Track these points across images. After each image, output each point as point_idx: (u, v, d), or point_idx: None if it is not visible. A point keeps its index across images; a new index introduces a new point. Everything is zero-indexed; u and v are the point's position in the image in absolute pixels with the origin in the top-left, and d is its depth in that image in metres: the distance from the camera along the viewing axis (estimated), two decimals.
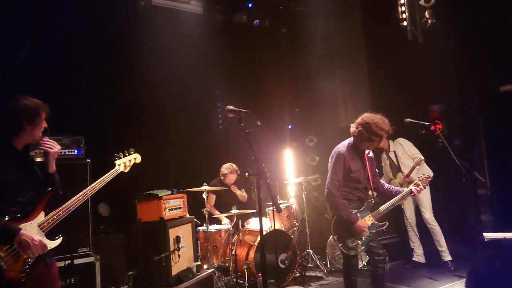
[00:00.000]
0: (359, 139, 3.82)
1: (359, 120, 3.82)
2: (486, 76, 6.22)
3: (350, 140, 3.94)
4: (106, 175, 3.20)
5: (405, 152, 5.80)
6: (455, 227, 5.71)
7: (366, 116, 3.80)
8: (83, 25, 5.59)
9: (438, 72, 6.38)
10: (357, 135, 3.81)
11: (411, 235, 5.84)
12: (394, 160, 5.89)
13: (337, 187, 3.80)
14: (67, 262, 4.03)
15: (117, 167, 3.35)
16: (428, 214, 5.62)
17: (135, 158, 3.54)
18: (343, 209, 3.76)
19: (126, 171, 3.44)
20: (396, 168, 5.89)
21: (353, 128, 3.84)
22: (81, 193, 2.97)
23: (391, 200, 3.90)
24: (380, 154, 6.04)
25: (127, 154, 3.48)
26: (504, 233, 3.82)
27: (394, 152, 5.89)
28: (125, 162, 3.43)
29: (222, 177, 6.20)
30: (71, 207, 2.89)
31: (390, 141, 5.95)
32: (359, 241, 3.76)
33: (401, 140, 5.89)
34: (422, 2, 6.51)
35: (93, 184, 3.08)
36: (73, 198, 2.92)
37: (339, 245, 3.77)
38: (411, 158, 5.68)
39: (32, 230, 2.66)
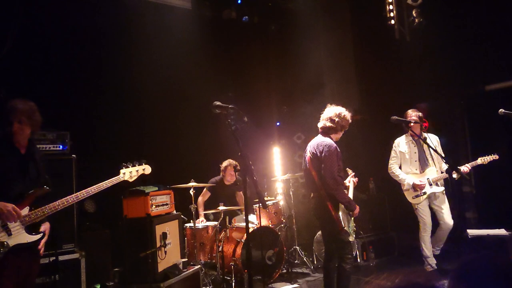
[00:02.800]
0: (336, 132, 4.04)
1: (330, 114, 4.01)
2: (472, 75, 6.29)
3: (327, 136, 4.06)
4: (106, 181, 3.15)
5: (436, 151, 5.04)
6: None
7: (335, 109, 4.04)
8: (69, 19, 5.51)
9: (425, 70, 6.44)
10: (335, 128, 4.00)
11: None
12: (427, 153, 5.27)
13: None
14: (52, 258, 3.98)
15: (121, 175, 3.31)
16: (449, 219, 5.23)
17: (143, 169, 3.49)
18: (348, 198, 3.95)
19: (131, 180, 3.40)
20: (424, 162, 5.28)
21: (328, 123, 4.02)
22: (73, 195, 2.98)
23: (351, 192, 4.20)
24: (387, 141, 5.67)
25: (136, 165, 3.43)
26: (487, 230, 3.89)
27: (428, 145, 4.98)
28: (131, 172, 3.38)
29: (222, 173, 6.04)
30: (59, 207, 2.92)
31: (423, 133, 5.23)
32: (351, 230, 3.93)
33: (437, 138, 5.30)
34: (409, 1, 6.58)
35: (88, 189, 3.07)
36: (63, 199, 2.93)
37: (344, 227, 3.81)
38: (437, 160, 5.27)
39: None
